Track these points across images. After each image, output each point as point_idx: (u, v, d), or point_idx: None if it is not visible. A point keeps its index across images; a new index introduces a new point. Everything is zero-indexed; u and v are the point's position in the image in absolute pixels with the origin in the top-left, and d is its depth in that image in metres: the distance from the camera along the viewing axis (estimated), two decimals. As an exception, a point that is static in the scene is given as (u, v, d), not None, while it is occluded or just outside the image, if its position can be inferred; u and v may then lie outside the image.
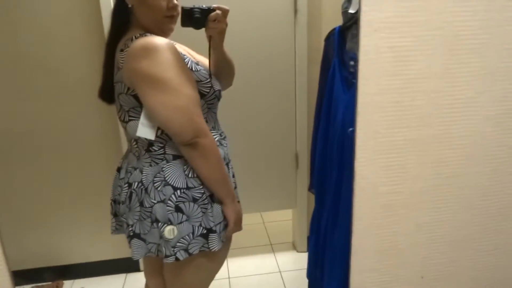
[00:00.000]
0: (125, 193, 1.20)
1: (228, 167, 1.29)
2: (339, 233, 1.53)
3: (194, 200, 1.14)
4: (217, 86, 1.21)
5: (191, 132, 1.07)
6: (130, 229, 1.20)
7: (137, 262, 2.45)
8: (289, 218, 2.87)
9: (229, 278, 2.43)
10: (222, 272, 2.44)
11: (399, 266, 0.93)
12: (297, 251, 2.70)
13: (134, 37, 1.11)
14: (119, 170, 1.28)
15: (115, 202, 1.28)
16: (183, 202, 1.13)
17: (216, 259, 1.29)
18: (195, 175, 1.16)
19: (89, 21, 2.05)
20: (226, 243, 1.32)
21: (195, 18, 1.12)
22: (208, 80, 1.17)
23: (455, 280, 0.95)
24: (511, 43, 0.81)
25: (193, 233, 1.15)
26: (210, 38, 1.19)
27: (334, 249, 1.56)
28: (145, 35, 1.11)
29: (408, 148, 0.85)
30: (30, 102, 2.12)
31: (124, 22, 1.17)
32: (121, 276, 2.45)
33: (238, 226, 1.27)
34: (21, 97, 2.11)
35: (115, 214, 1.29)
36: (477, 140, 0.87)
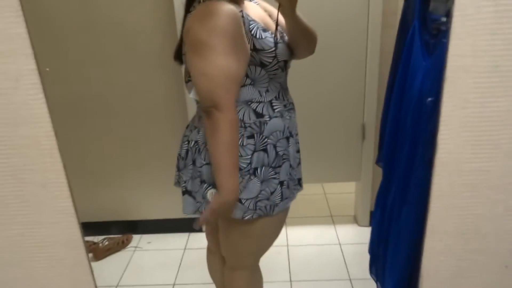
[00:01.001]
0: (184, 149, 1.25)
1: (288, 141, 1.24)
2: (407, 210, 1.43)
3: (239, 169, 1.14)
4: (282, 56, 1.15)
5: (209, 101, 1.04)
6: (183, 185, 1.25)
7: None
8: (351, 191, 2.80)
9: (287, 246, 2.44)
10: (280, 239, 2.45)
11: (479, 252, 0.83)
12: (359, 225, 2.63)
13: (201, 0, 1.10)
14: (187, 127, 1.31)
15: (179, 156, 1.31)
16: None
17: (266, 228, 1.29)
18: (246, 144, 1.15)
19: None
20: (284, 214, 1.30)
21: None
22: (273, 49, 1.11)
23: (546, 273, 0.83)
24: None
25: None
26: (279, 5, 1.11)
27: (401, 227, 1.47)
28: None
29: (502, 121, 0.74)
30: (101, 67, 2.21)
31: None
32: (185, 235, 2.56)
33: (213, 217, 1.16)
34: (93, 63, 2.21)
35: (178, 168, 1.33)
36: None
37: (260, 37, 1.11)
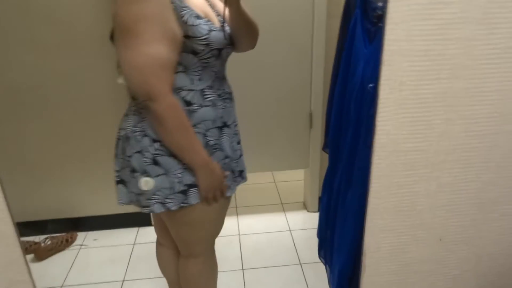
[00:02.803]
0: (116, 139, 1.23)
1: (221, 130, 1.21)
2: (352, 193, 1.49)
3: (172, 155, 1.12)
4: (215, 44, 1.10)
5: (143, 94, 1.03)
6: (117, 174, 1.23)
7: (148, 216, 2.47)
8: (300, 178, 2.85)
9: (239, 235, 2.45)
10: (231, 229, 2.46)
11: (417, 227, 0.89)
12: (308, 211, 2.70)
13: None
14: None
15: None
16: (161, 155, 1.11)
17: (205, 215, 1.26)
18: None
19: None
20: (225, 201, 1.30)
21: None
22: (205, 37, 1.07)
23: (475, 244, 0.90)
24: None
25: (171, 188, 1.14)
26: None
27: (347, 209, 1.53)
28: None
29: (436, 102, 0.78)
30: (37, 55, 2.07)
31: None
32: (134, 230, 2.48)
33: (210, 193, 1.19)
34: (28, 50, 2.06)
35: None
36: (510, 97, 0.79)
37: (192, 23, 1.07)
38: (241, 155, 1.34)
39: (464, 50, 0.75)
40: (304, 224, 2.59)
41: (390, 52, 0.73)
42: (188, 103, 1.13)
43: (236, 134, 1.31)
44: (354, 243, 1.47)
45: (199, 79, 1.13)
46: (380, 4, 1.41)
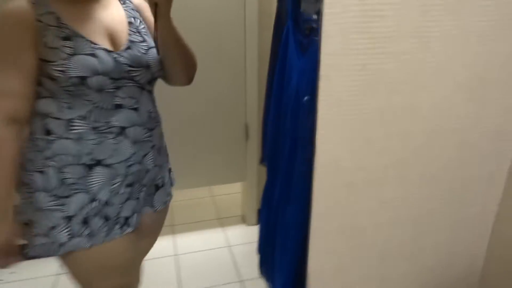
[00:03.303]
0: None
1: (90, 169, 1.04)
2: (292, 208, 1.45)
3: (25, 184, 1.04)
4: (77, 71, 0.95)
5: None
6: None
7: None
8: (238, 191, 2.79)
9: (175, 255, 2.31)
10: (167, 249, 2.33)
11: (359, 247, 0.85)
12: (247, 225, 2.64)
13: None
14: None
15: None
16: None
17: (78, 264, 1.09)
18: (28, 160, 1.03)
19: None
20: (99, 249, 1.08)
21: None
22: (61, 62, 0.94)
23: (416, 259, 0.89)
24: (487, 0, 0.73)
25: None
26: (155, 5, 0.94)
27: (287, 225, 1.49)
28: None
29: (374, 118, 0.76)
30: None
31: None
32: (55, 259, 2.25)
33: None
34: None
35: None
36: (445, 110, 0.80)
37: (52, 46, 0.95)
38: (128, 199, 1.10)
39: (399, 64, 0.73)
40: (243, 238, 2.53)
41: (326, 66, 0.69)
42: (47, 132, 1.01)
43: (130, 175, 1.09)
44: (296, 260, 1.43)
45: (68, 107, 1.00)
46: (312, 16, 1.41)
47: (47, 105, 1.00)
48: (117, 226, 1.09)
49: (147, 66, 1.03)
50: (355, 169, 0.79)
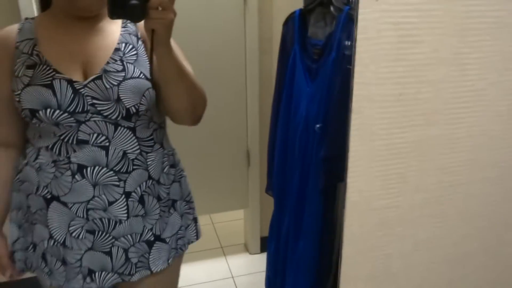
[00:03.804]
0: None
1: (47, 203, 0.96)
2: (303, 243, 1.36)
3: None
4: (27, 104, 0.89)
5: None
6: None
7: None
8: (240, 217, 2.71)
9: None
10: (168, 284, 2.22)
11: (392, 293, 0.77)
12: (250, 253, 2.55)
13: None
14: None
15: None
16: None
17: None
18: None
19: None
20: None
21: (130, 6, 0.76)
22: (17, 92, 0.90)
23: (454, 305, 0.81)
24: (529, 23, 0.67)
25: None
26: (152, 33, 0.82)
27: (298, 261, 1.40)
28: (26, 21, 0.96)
29: (408, 152, 0.69)
30: None
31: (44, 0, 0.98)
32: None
33: None
34: None
35: None
36: (484, 141, 0.73)
37: (17, 74, 0.91)
38: (90, 249, 0.98)
39: (436, 93, 0.67)
40: (246, 268, 2.43)
41: (359, 97, 0.62)
42: (24, 156, 1.01)
43: (91, 221, 0.97)
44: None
45: (39, 137, 0.96)
46: (321, 41, 1.36)
47: (29, 132, 0.99)
48: (79, 276, 0.98)
49: (117, 100, 0.91)
50: (388, 208, 0.71)
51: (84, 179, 0.93)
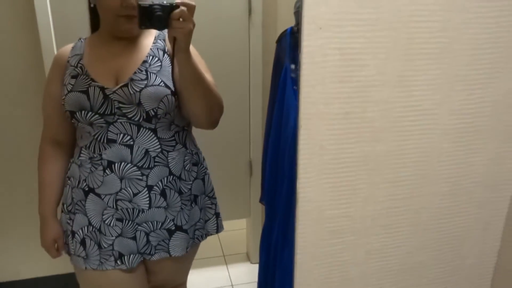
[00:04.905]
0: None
1: (85, 195, 1.12)
2: (289, 252, 1.41)
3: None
4: (69, 106, 1.08)
5: None
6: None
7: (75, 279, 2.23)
8: (243, 227, 2.75)
9: (177, 294, 2.26)
10: None
11: (348, 298, 0.82)
12: (251, 263, 2.58)
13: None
14: None
15: None
16: None
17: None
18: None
19: (21, 18, 1.82)
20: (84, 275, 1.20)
21: (156, 17, 0.92)
22: (63, 97, 1.10)
23: (409, 313, 0.85)
24: (471, 48, 0.72)
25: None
26: (174, 40, 0.98)
27: (285, 269, 1.45)
28: (79, 40, 1.17)
29: (358, 166, 0.74)
30: None
31: (94, 21, 1.18)
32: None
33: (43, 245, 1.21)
34: None
35: None
36: (434, 158, 0.78)
37: (65, 83, 1.11)
38: (120, 235, 1.12)
39: (382, 112, 0.72)
40: (247, 277, 2.47)
41: (307, 115, 0.68)
42: (72, 155, 1.19)
43: (120, 210, 1.11)
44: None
45: (81, 137, 1.14)
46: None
47: (76, 134, 1.17)
48: (111, 259, 1.13)
49: (138, 104, 1.05)
50: (341, 217, 0.77)
51: (113, 173, 1.08)
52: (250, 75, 2.27)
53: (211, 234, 1.36)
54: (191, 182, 1.21)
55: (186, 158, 1.18)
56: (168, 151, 1.13)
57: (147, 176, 1.10)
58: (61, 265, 2.05)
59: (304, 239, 0.75)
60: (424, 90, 0.73)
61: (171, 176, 1.14)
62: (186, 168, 1.18)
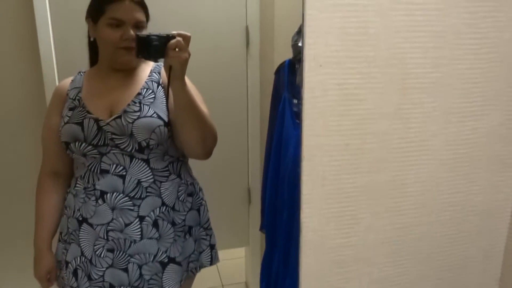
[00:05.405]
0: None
1: (79, 225, 1.13)
2: (290, 282, 1.40)
3: None
4: (63, 137, 1.11)
5: None
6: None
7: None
8: (241, 255, 2.72)
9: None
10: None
11: (352, 329, 0.82)
12: (250, 292, 2.54)
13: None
14: None
15: None
16: None
17: None
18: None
19: (24, 50, 1.86)
20: None
21: (153, 47, 0.97)
22: (60, 128, 1.13)
23: None
24: (463, 82, 0.75)
25: None
26: (170, 68, 1.01)
27: (286, 298, 1.44)
28: (78, 73, 1.21)
29: (359, 196, 0.76)
30: None
31: (94, 55, 1.21)
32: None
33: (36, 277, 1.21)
34: None
35: None
36: (432, 187, 0.80)
37: (62, 115, 1.14)
38: (110, 266, 1.11)
39: (381, 144, 0.75)
40: (246, 307, 2.42)
41: (309, 147, 0.71)
42: (68, 186, 1.21)
43: (111, 240, 1.11)
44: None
45: (77, 168, 1.16)
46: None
47: (73, 166, 1.18)
48: None
49: (130, 135, 1.06)
50: (343, 247, 0.78)
51: (105, 204, 1.09)
52: (248, 105, 2.30)
53: (205, 266, 1.33)
54: (185, 213, 1.20)
55: (180, 188, 1.18)
56: (161, 182, 1.13)
57: (138, 207, 1.09)
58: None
59: (308, 270, 0.76)
60: (420, 123, 0.76)
61: (164, 207, 1.13)
62: (180, 198, 1.18)
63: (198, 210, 1.27)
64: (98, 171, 1.10)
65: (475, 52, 0.75)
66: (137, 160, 1.09)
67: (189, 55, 1.01)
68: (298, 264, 1.40)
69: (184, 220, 1.19)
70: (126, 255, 1.11)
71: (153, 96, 1.12)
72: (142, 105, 1.10)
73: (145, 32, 1.03)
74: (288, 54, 1.60)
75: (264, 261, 1.68)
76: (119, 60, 1.11)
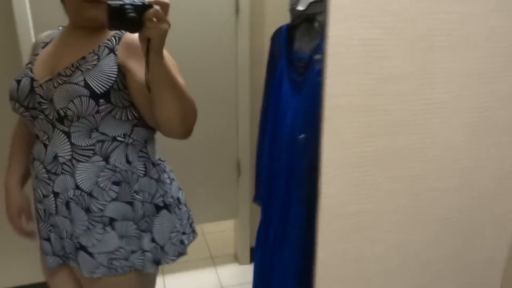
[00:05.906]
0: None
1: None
2: (289, 250, 1.39)
3: None
4: (9, 92, 1.03)
5: None
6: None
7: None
8: (230, 228, 2.72)
9: (165, 299, 2.21)
10: (158, 292, 2.22)
11: (366, 295, 0.80)
12: (240, 264, 2.55)
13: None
14: None
15: None
16: None
17: None
18: None
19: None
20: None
21: (128, 18, 0.82)
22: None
23: (426, 308, 0.84)
24: (490, 41, 0.72)
25: None
26: (148, 41, 0.87)
27: (284, 267, 1.43)
28: (58, 28, 1.12)
29: (379, 160, 0.73)
30: None
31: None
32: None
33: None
34: None
35: None
36: (451, 151, 0.77)
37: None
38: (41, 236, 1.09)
39: (403, 105, 0.71)
40: (236, 279, 2.44)
41: (330, 107, 0.66)
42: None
43: (36, 210, 1.08)
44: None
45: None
46: (306, 54, 1.41)
47: None
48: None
49: (50, 101, 0.96)
50: (361, 213, 0.75)
51: (33, 170, 1.06)
52: (237, 74, 2.24)
53: (136, 269, 1.11)
54: (105, 203, 1.04)
55: (102, 174, 1.03)
56: (79, 161, 1.00)
57: (53, 182, 1.00)
58: (39, 274, 1.96)
59: (325, 236, 0.73)
60: (442, 83, 0.73)
61: (78, 191, 1.01)
62: (100, 185, 1.03)
63: (131, 204, 1.09)
64: (34, 135, 1.06)
65: (502, 9, 0.71)
66: (58, 131, 0.99)
67: (169, 25, 0.86)
68: (296, 233, 1.40)
69: (102, 210, 1.04)
70: (48, 225, 1.07)
71: (95, 63, 0.99)
72: (76, 70, 0.98)
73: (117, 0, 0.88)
74: (280, 22, 1.54)
75: (260, 231, 1.66)
76: (84, 15, 0.98)
